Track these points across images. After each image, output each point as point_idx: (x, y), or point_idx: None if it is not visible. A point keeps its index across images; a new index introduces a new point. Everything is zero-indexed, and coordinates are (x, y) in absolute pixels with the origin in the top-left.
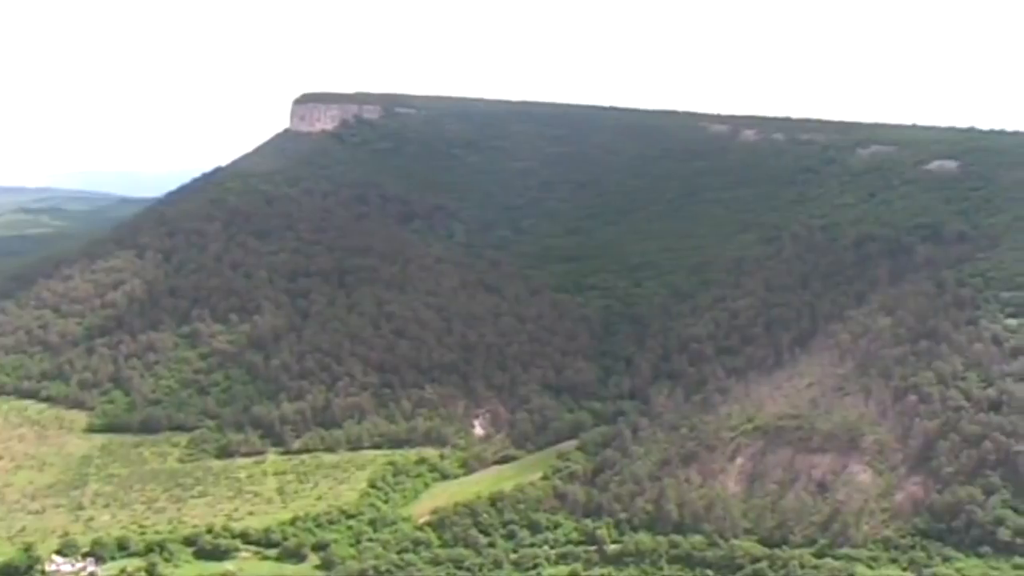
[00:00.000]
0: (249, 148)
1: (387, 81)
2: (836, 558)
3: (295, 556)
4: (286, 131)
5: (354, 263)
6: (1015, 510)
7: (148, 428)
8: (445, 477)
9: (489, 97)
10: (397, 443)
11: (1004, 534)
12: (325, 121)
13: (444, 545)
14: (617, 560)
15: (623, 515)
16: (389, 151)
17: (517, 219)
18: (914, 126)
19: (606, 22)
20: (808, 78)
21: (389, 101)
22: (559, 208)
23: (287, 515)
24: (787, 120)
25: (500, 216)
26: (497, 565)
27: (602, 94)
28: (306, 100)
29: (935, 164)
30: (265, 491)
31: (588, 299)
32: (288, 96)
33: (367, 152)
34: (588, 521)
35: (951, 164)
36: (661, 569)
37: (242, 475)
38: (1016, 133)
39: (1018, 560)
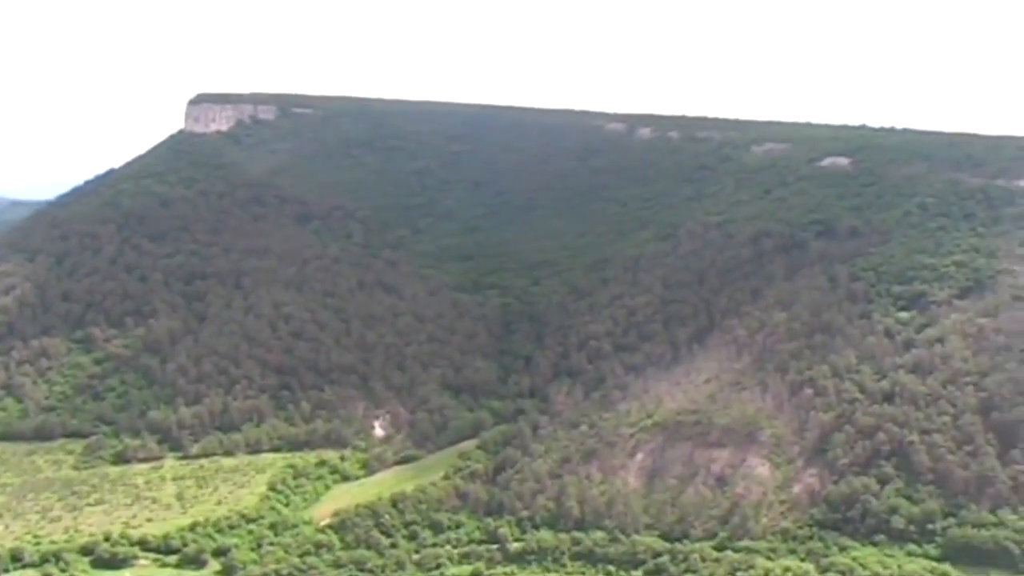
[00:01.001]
0: (143, 150)
1: (283, 81)
2: (736, 551)
3: (195, 562)
4: (180, 132)
5: (251, 264)
6: (908, 499)
7: (42, 435)
8: (346, 479)
9: (386, 97)
10: (297, 445)
11: (898, 522)
12: (220, 122)
13: (346, 547)
14: (519, 558)
15: (525, 513)
16: (285, 151)
17: (415, 218)
18: (807, 124)
19: (502, 21)
20: (703, 77)
21: (285, 101)
22: (457, 207)
23: (186, 521)
24: (683, 118)
25: (398, 216)
26: (400, 566)
27: (500, 93)
28: (200, 101)
29: (828, 161)
30: (163, 497)
31: (487, 298)
32: (182, 97)
33: (263, 152)
34: (490, 520)
35: (843, 161)
36: (564, 566)
37: (139, 481)
38: (906, 131)
39: (912, 548)
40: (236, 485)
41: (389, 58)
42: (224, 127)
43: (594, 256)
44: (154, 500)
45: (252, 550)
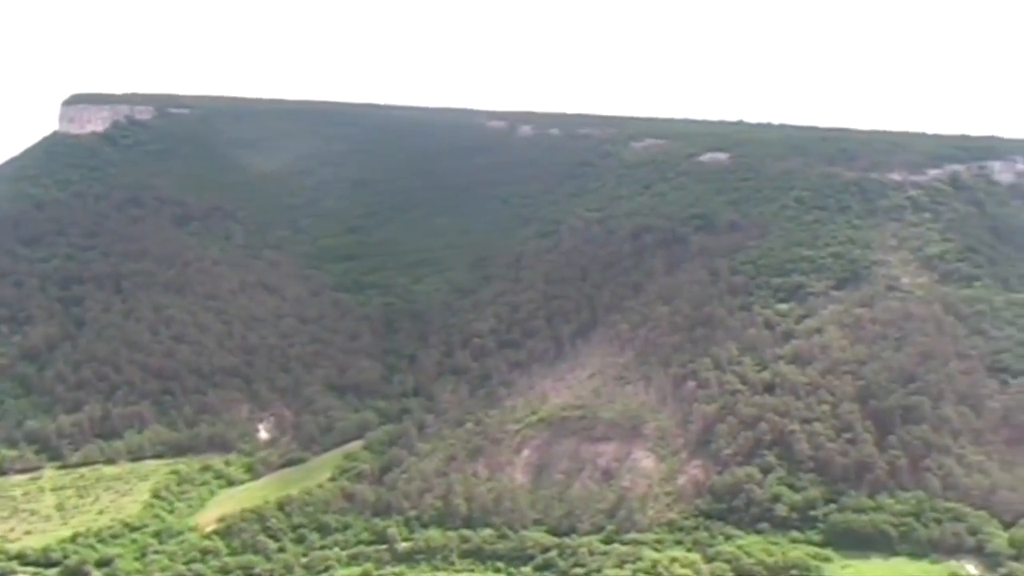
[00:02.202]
0: (16, 152)
1: (159, 81)
2: (624, 543)
3: (77, 574)
4: (54, 134)
5: (130, 268)
6: (790, 487)
7: None
8: (231, 483)
9: (265, 96)
10: (180, 451)
11: (781, 510)
12: (96, 123)
13: (233, 553)
14: (408, 558)
15: (412, 512)
16: (163, 152)
17: (295, 219)
18: (686, 120)
19: (382, 20)
20: (583, 74)
21: (162, 101)
22: (337, 207)
23: (67, 532)
24: (563, 115)
25: (278, 216)
26: (288, 570)
27: (379, 92)
28: (75, 101)
29: (707, 156)
30: (43, 508)
31: (369, 297)
32: (56, 98)
33: (140, 154)
34: (378, 520)
35: (722, 156)
36: (453, 564)
37: (17, 493)
38: (783, 126)
39: (795, 534)
40: (118, 493)
41: (266, 57)
42: (100, 128)
43: (476, 254)
44: (33, 512)
45: (136, 559)
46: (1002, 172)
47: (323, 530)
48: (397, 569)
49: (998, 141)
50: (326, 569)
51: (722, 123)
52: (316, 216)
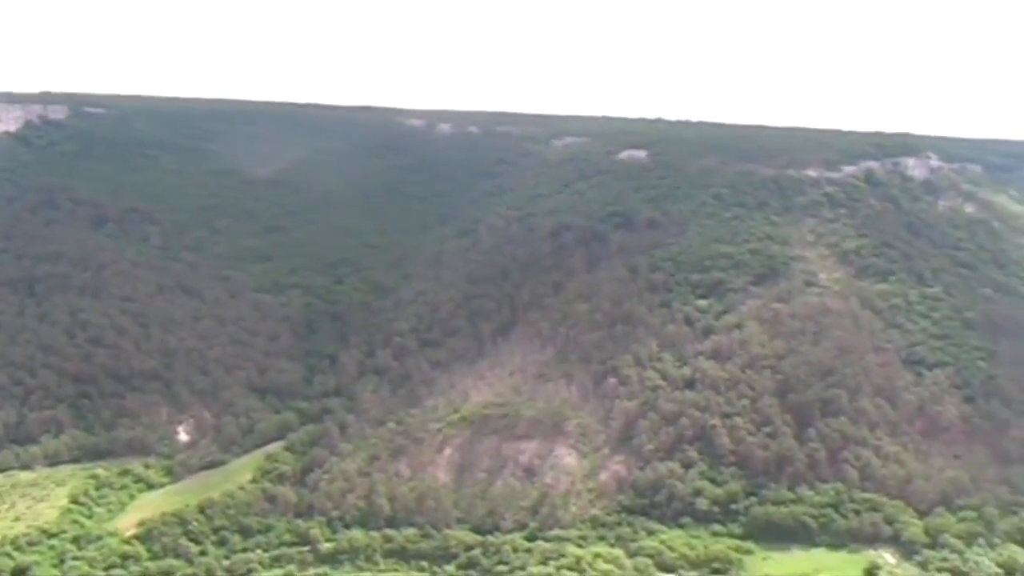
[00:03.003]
0: None
1: (74, 80)
2: (547, 540)
3: None
4: None
5: (44, 271)
6: (712, 481)
7: None
8: (151, 487)
9: (181, 95)
10: (98, 455)
11: (702, 504)
12: (7, 122)
13: (153, 557)
14: (331, 559)
15: (335, 513)
16: (78, 153)
17: (212, 219)
18: (605, 118)
19: (301, 18)
20: (501, 72)
21: (76, 101)
22: (255, 207)
23: None
24: (482, 113)
25: (195, 217)
26: (210, 573)
27: (296, 91)
28: None
29: (626, 154)
30: None
31: (289, 298)
32: None
33: (54, 154)
34: (300, 521)
35: (640, 154)
36: (376, 564)
37: None
38: (701, 123)
39: (716, 528)
40: (35, 500)
41: (182, 56)
42: (12, 128)
43: (396, 253)
44: None
45: (54, 566)
46: (916, 168)
47: (245, 532)
48: (320, 570)
49: (912, 138)
50: (248, 572)
51: (641, 121)
52: (234, 217)
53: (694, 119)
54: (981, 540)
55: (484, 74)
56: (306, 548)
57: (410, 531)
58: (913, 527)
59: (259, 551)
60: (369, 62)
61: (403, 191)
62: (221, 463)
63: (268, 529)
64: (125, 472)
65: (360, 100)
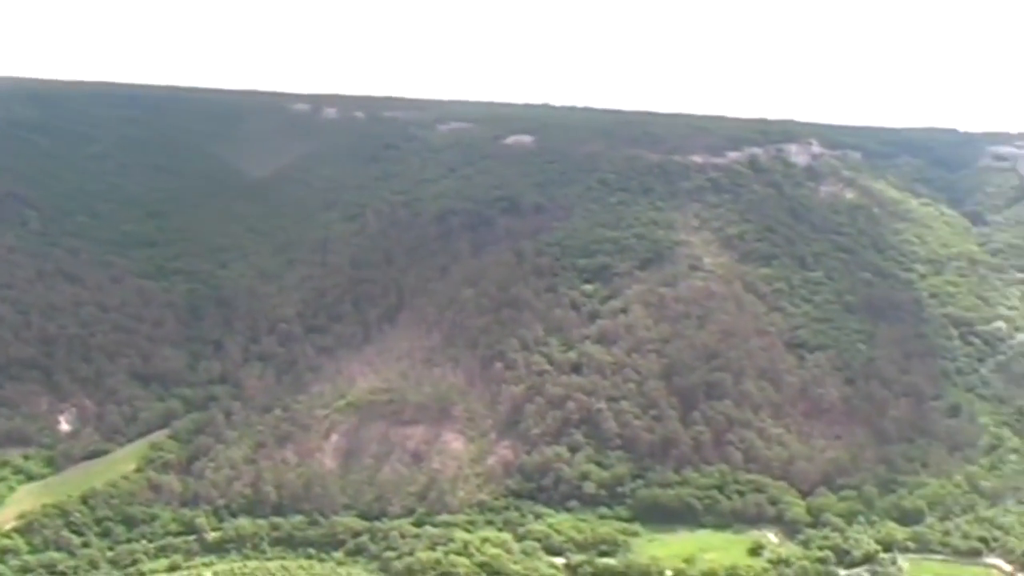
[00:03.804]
0: None
1: None
2: (435, 525)
3: None
4: None
5: None
6: (599, 464)
7: None
8: (31, 479)
9: (61, 78)
10: None
11: (589, 487)
12: None
13: (34, 551)
14: (218, 548)
15: (221, 501)
16: None
17: (94, 204)
18: (491, 103)
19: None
20: (386, 57)
21: None
22: (138, 192)
23: None
24: (368, 98)
25: (76, 202)
26: (93, 565)
27: (180, 75)
28: None
29: (512, 139)
30: None
31: (173, 284)
32: None
33: None
34: (186, 511)
35: (527, 139)
36: (263, 552)
37: None
38: (587, 109)
39: (603, 511)
40: None
41: (60, 37)
42: None
43: (281, 238)
44: None
45: None
46: (798, 154)
47: (129, 523)
48: (206, 560)
49: (795, 124)
50: (133, 563)
51: (527, 106)
52: (116, 202)
53: (580, 105)
54: (861, 518)
55: (370, 59)
56: (192, 538)
57: (297, 518)
58: (796, 507)
59: (144, 542)
60: (253, 46)
61: (288, 176)
62: (104, 453)
63: (153, 519)
64: (4, 463)
65: (244, 84)
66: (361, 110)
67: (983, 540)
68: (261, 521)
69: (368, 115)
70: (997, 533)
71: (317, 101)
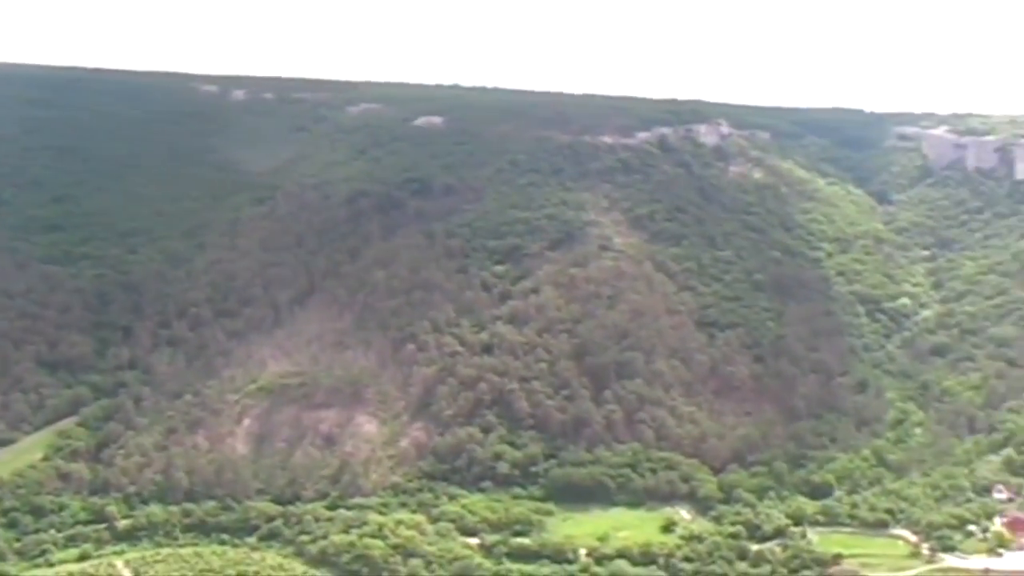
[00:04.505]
0: None
1: None
2: (349, 508)
3: None
4: None
5: None
6: (512, 445)
7: None
8: None
9: None
10: None
11: (503, 468)
12: None
13: None
14: (129, 536)
15: (132, 489)
16: None
17: None
18: (401, 84)
19: None
20: (296, 37)
21: None
22: (42, 176)
23: None
24: (277, 79)
25: None
26: (0, 557)
27: (85, 55)
28: None
29: (422, 120)
30: None
31: (80, 269)
32: None
33: None
34: (96, 499)
35: (437, 120)
36: (176, 539)
37: None
38: (497, 90)
39: (517, 491)
40: None
41: None
42: None
43: (190, 222)
44: None
45: None
46: (707, 135)
47: (37, 513)
48: (118, 548)
49: (703, 105)
50: (42, 553)
51: (437, 87)
52: (20, 186)
53: (490, 85)
54: (771, 493)
55: (279, 40)
56: (102, 526)
57: (210, 504)
58: (708, 484)
59: (52, 531)
60: (160, 26)
61: (196, 159)
62: (10, 441)
63: (62, 508)
64: None
65: (151, 65)
66: (270, 91)
67: (890, 512)
68: (173, 508)
69: (277, 96)
70: (903, 505)
71: (226, 83)
